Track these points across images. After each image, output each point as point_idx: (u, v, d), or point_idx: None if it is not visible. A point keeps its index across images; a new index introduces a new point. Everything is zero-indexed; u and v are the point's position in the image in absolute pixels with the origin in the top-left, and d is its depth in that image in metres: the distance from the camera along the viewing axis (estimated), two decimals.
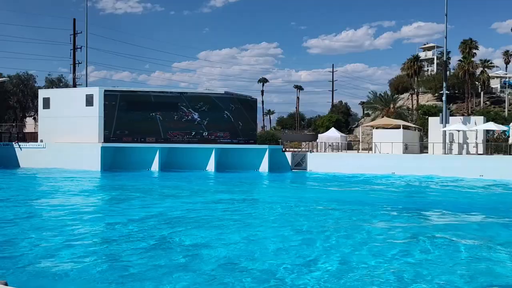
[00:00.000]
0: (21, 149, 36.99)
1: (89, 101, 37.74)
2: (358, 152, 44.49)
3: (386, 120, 46.32)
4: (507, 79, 65.68)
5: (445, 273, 10.10)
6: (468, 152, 39.27)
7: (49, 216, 16.81)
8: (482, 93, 62.75)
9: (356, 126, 67.68)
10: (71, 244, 12.24)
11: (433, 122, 41.07)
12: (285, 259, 11.04)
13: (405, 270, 10.29)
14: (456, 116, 47.20)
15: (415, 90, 62.47)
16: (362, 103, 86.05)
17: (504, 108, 58.52)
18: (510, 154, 36.76)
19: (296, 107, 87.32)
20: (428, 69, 79.76)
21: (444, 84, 42.27)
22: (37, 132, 40.86)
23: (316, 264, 10.73)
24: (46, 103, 39.27)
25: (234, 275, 9.83)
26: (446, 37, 41.58)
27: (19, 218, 16.17)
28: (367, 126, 53.13)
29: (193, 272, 9.98)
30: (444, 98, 41.46)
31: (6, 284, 4.82)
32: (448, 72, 58.24)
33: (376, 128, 44.48)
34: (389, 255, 11.52)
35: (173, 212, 18.04)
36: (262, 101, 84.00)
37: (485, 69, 58.88)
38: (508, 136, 40.15)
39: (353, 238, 13.32)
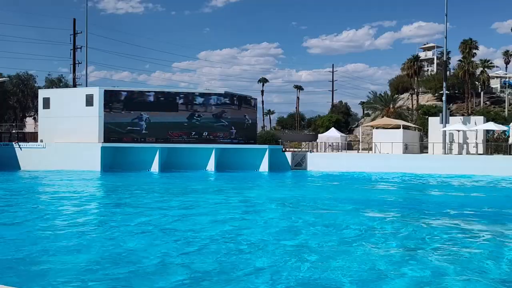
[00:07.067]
0: (21, 149, 36.95)
1: (89, 101, 37.68)
2: (358, 152, 44.51)
3: (386, 120, 46.36)
4: (507, 79, 65.69)
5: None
6: (468, 152, 39.31)
7: (51, 218, 16.77)
8: (482, 93, 62.77)
9: (356, 126, 67.70)
10: (73, 245, 12.20)
11: (433, 122, 41.11)
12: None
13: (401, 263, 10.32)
14: (456, 116, 47.26)
15: (415, 90, 62.49)
16: (362, 103, 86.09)
17: (504, 108, 58.52)
18: (510, 154, 36.79)
19: (296, 107, 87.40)
20: (428, 69, 79.81)
21: (444, 84, 42.31)
22: (37, 132, 40.81)
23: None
24: (46, 103, 39.24)
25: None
26: (446, 37, 41.64)
27: (20, 219, 16.14)
28: (367, 126, 53.15)
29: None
30: (444, 98, 41.50)
31: None
32: (448, 72, 58.33)
33: (376, 128, 44.51)
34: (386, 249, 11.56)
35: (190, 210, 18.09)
36: (262, 101, 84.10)
37: (485, 69, 58.90)
38: (508, 136, 40.17)
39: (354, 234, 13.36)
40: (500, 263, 10.89)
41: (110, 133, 37.31)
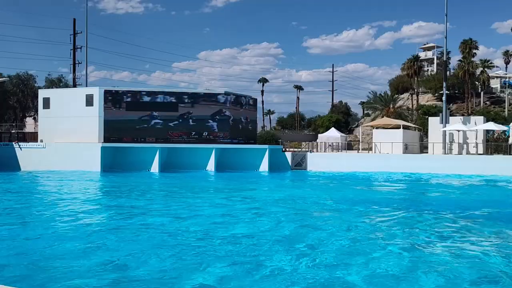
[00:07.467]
0: (21, 149, 36.93)
1: (89, 101, 37.67)
2: (358, 152, 44.50)
3: (386, 120, 46.36)
4: (507, 79, 65.69)
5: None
6: (468, 152, 39.31)
7: (56, 220, 16.69)
8: (482, 93, 62.77)
9: (356, 126, 67.70)
10: (79, 248, 12.06)
11: (433, 122, 41.11)
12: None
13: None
14: (456, 116, 47.26)
15: (415, 90, 62.50)
16: (362, 103, 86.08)
17: (504, 108, 58.53)
18: (510, 154, 36.79)
19: (296, 107, 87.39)
20: (428, 69, 79.81)
21: (444, 84, 42.31)
22: (37, 132, 40.80)
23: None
24: (46, 103, 39.22)
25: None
26: (446, 37, 41.63)
27: (24, 222, 16.06)
28: (367, 126, 53.15)
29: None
30: (444, 98, 41.50)
31: None
32: (448, 72, 58.32)
33: (376, 128, 44.50)
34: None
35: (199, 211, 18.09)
36: (262, 101, 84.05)
37: (485, 69, 58.90)
38: (508, 136, 40.16)
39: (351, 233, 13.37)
40: (510, 264, 10.88)
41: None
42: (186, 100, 38.82)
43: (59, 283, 9.24)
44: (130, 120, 37.88)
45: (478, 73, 58.66)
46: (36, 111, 48.09)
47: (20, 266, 10.33)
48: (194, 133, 38.80)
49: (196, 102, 39.03)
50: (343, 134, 52.30)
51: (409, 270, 10.34)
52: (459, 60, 60.21)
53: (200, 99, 39.24)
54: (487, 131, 40.02)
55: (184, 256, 11.23)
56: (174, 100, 38.63)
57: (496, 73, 67.83)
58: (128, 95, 38.16)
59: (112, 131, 37.42)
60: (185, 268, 10.31)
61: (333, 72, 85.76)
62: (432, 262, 10.85)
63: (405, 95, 67.32)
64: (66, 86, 61.50)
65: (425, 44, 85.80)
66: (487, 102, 63.29)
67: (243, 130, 41.36)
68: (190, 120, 38.82)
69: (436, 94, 62.44)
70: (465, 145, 39.75)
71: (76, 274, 9.79)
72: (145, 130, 38.06)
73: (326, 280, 9.64)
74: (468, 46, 57.82)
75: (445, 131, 39.48)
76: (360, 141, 51.25)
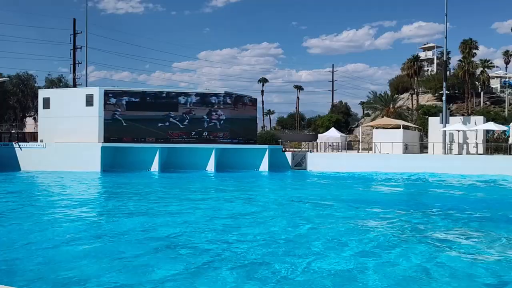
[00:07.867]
0: (21, 149, 36.92)
1: (89, 101, 37.67)
2: (358, 152, 44.49)
3: (386, 120, 46.35)
4: (507, 79, 65.69)
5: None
6: (468, 152, 39.30)
7: (58, 222, 16.62)
8: (482, 93, 62.77)
9: (356, 126, 67.68)
10: (82, 251, 11.94)
11: (433, 122, 41.11)
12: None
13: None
14: (456, 116, 47.25)
15: (415, 90, 62.49)
16: (362, 103, 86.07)
17: (504, 108, 58.52)
18: (510, 154, 36.79)
19: (296, 107, 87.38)
20: (428, 69, 79.82)
21: (444, 84, 42.31)
22: (37, 132, 40.79)
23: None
24: (46, 103, 39.21)
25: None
26: (446, 37, 41.63)
27: (25, 223, 15.89)
28: (367, 126, 53.14)
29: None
30: (444, 98, 41.50)
31: None
32: (448, 72, 58.31)
33: (376, 128, 44.49)
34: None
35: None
36: (262, 101, 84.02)
37: (485, 69, 58.89)
38: (508, 136, 40.16)
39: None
40: None
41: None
42: (149, 100, 38.39)
43: (71, 285, 9.22)
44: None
45: (478, 73, 58.65)
46: (36, 111, 48.08)
47: (29, 268, 10.28)
48: (194, 133, 38.78)
49: (158, 103, 38.49)
50: (343, 134, 52.29)
51: (421, 271, 10.32)
52: (459, 60, 60.24)
53: (162, 99, 38.67)
54: (487, 131, 40.02)
55: (191, 258, 11.11)
56: (138, 101, 38.19)
57: (496, 73, 67.84)
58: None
59: None
60: (193, 270, 10.25)
61: (333, 72, 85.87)
62: (443, 264, 10.83)
63: (405, 95, 67.31)
64: (66, 86, 61.48)
65: (425, 44, 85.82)
66: (487, 102, 63.28)
67: (243, 130, 41.07)
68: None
69: (436, 94, 62.43)
70: (465, 145, 39.75)
71: (84, 275, 9.77)
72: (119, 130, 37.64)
73: (337, 281, 9.64)
74: (468, 46, 57.80)
75: (445, 131, 39.48)
76: (360, 141, 51.24)
